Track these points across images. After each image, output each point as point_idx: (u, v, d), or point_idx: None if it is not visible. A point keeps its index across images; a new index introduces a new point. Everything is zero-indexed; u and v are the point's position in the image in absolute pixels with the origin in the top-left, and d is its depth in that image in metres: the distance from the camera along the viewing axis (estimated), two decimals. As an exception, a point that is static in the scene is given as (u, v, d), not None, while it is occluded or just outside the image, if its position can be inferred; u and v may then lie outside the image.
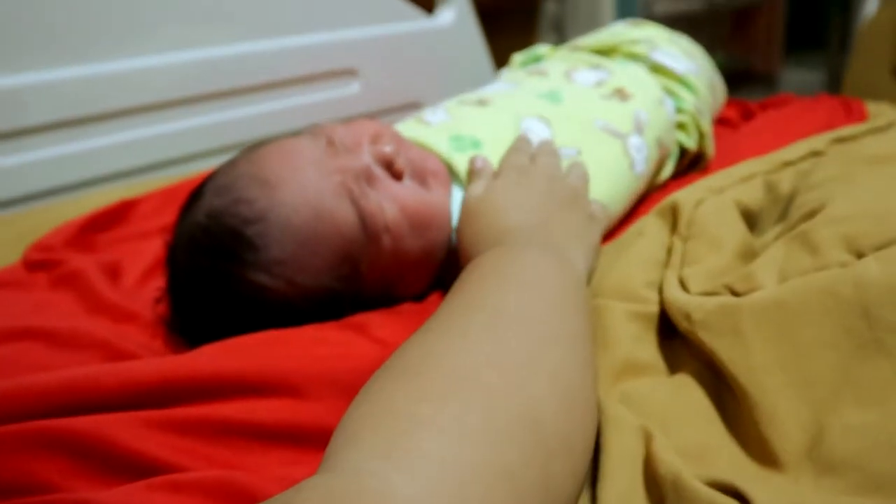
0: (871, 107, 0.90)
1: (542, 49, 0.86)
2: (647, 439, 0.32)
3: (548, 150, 0.57)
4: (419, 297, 0.58)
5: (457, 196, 0.57)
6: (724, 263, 0.44)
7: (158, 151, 0.98)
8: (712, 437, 0.34)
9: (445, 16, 1.33)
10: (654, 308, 0.45)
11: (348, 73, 1.20)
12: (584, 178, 0.56)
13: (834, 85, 3.28)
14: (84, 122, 0.92)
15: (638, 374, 0.41)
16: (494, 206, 0.50)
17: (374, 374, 0.34)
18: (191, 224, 0.51)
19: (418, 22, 1.29)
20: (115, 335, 0.53)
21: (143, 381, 0.42)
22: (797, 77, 4.17)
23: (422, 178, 0.56)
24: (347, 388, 0.42)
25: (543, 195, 0.51)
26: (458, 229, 0.51)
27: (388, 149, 0.53)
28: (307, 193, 0.49)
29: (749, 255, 0.46)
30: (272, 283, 0.49)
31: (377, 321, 0.48)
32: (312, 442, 0.40)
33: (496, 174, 0.54)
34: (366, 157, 0.53)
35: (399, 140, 0.57)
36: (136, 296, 0.63)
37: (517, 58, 0.88)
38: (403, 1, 1.27)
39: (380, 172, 0.53)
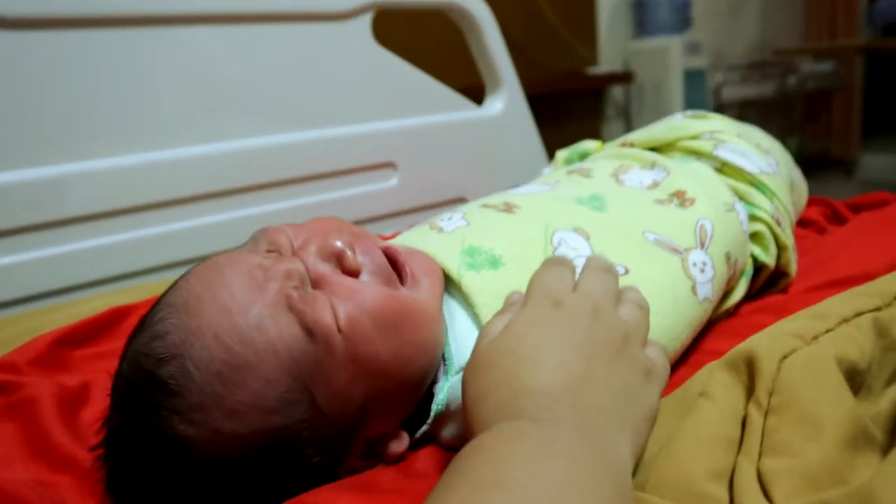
0: None
1: (588, 144, 0.76)
2: None
3: (598, 265, 0.43)
4: (400, 458, 0.45)
5: (461, 322, 0.46)
6: (824, 459, 0.31)
7: (182, 249, 0.92)
8: None
9: (494, 105, 1.25)
10: (722, 515, 0.31)
11: (387, 166, 1.13)
12: (643, 307, 0.42)
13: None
14: (94, 219, 0.86)
15: None
16: (514, 354, 0.37)
17: None
18: (117, 370, 0.42)
19: (464, 112, 1.22)
20: (40, 496, 0.44)
21: None
22: (878, 162, 4.03)
23: (392, 277, 0.45)
24: None
25: (583, 340, 0.37)
26: (464, 379, 0.39)
27: (337, 243, 0.44)
28: (231, 313, 0.39)
29: (860, 442, 0.33)
30: (195, 434, 0.38)
31: (349, 500, 0.36)
32: None
33: (524, 302, 0.41)
34: (311, 258, 0.43)
35: (361, 236, 0.47)
36: (93, 431, 0.54)
37: (561, 154, 0.77)
38: (450, 90, 1.20)
39: (328, 270, 0.43)
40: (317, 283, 0.42)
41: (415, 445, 0.46)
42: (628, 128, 3.46)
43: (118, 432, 0.41)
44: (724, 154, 0.65)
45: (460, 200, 1.22)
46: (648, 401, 0.37)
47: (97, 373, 0.64)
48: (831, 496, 0.27)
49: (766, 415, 0.35)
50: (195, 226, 0.94)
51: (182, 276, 0.44)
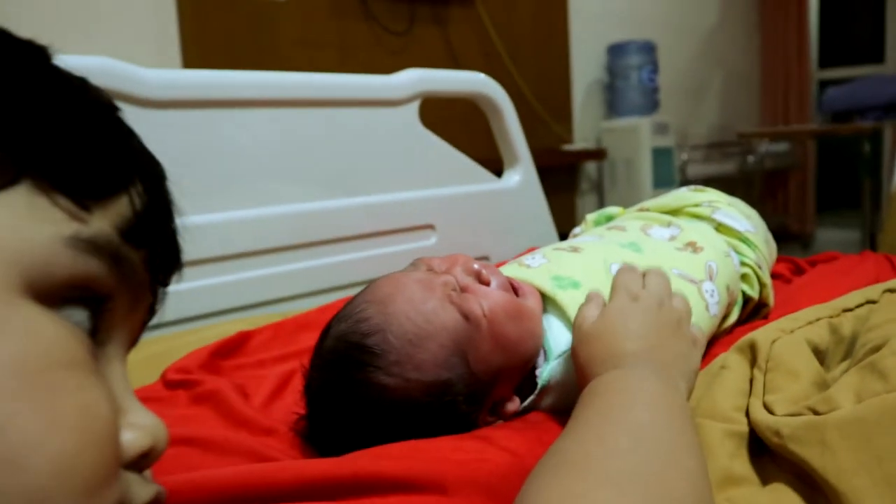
0: (913, 264, 0.99)
1: (612, 210, 0.98)
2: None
3: (657, 271, 0.65)
4: (518, 415, 0.65)
5: (556, 326, 0.66)
6: (803, 391, 0.52)
7: (267, 291, 1.10)
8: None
9: (512, 178, 1.48)
10: (744, 428, 0.52)
11: (427, 227, 1.34)
12: (687, 304, 0.64)
13: (868, 243, 3.36)
14: (205, 263, 1.05)
15: (736, 485, 0.47)
16: (610, 331, 0.57)
17: (539, 465, 0.41)
18: (322, 349, 0.61)
19: (489, 183, 1.44)
20: (260, 444, 0.61)
21: (314, 477, 0.49)
22: (832, 236, 4.26)
23: (510, 290, 0.66)
24: (489, 489, 0.49)
25: (654, 322, 0.58)
26: (574, 349, 0.59)
27: (475, 265, 0.66)
28: (415, 303, 0.60)
29: (823, 385, 0.54)
30: (392, 382, 0.57)
31: (501, 434, 0.56)
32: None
33: (611, 296, 0.62)
34: (459, 274, 0.64)
35: (487, 265, 0.67)
36: (268, 415, 0.72)
37: (590, 217, 1.00)
38: (476, 164, 1.42)
39: (471, 282, 0.64)
40: (464, 290, 0.63)
41: (521, 413, 0.66)
42: (601, 201, 3.59)
43: (328, 385, 0.59)
44: (720, 217, 0.88)
45: (485, 258, 1.43)
46: (695, 361, 0.59)
47: (244, 379, 0.82)
48: (808, 402, 0.49)
49: (765, 374, 0.56)
50: (286, 271, 1.13)
51: (368, 286, 0.64)
